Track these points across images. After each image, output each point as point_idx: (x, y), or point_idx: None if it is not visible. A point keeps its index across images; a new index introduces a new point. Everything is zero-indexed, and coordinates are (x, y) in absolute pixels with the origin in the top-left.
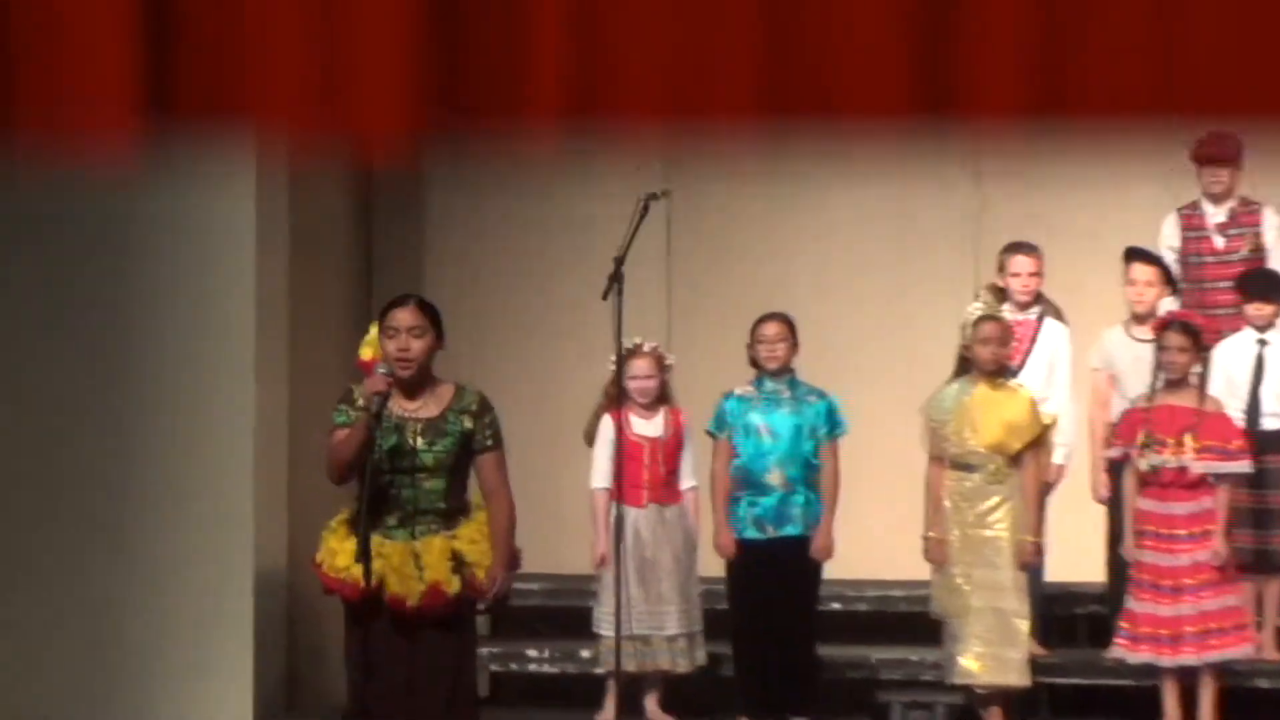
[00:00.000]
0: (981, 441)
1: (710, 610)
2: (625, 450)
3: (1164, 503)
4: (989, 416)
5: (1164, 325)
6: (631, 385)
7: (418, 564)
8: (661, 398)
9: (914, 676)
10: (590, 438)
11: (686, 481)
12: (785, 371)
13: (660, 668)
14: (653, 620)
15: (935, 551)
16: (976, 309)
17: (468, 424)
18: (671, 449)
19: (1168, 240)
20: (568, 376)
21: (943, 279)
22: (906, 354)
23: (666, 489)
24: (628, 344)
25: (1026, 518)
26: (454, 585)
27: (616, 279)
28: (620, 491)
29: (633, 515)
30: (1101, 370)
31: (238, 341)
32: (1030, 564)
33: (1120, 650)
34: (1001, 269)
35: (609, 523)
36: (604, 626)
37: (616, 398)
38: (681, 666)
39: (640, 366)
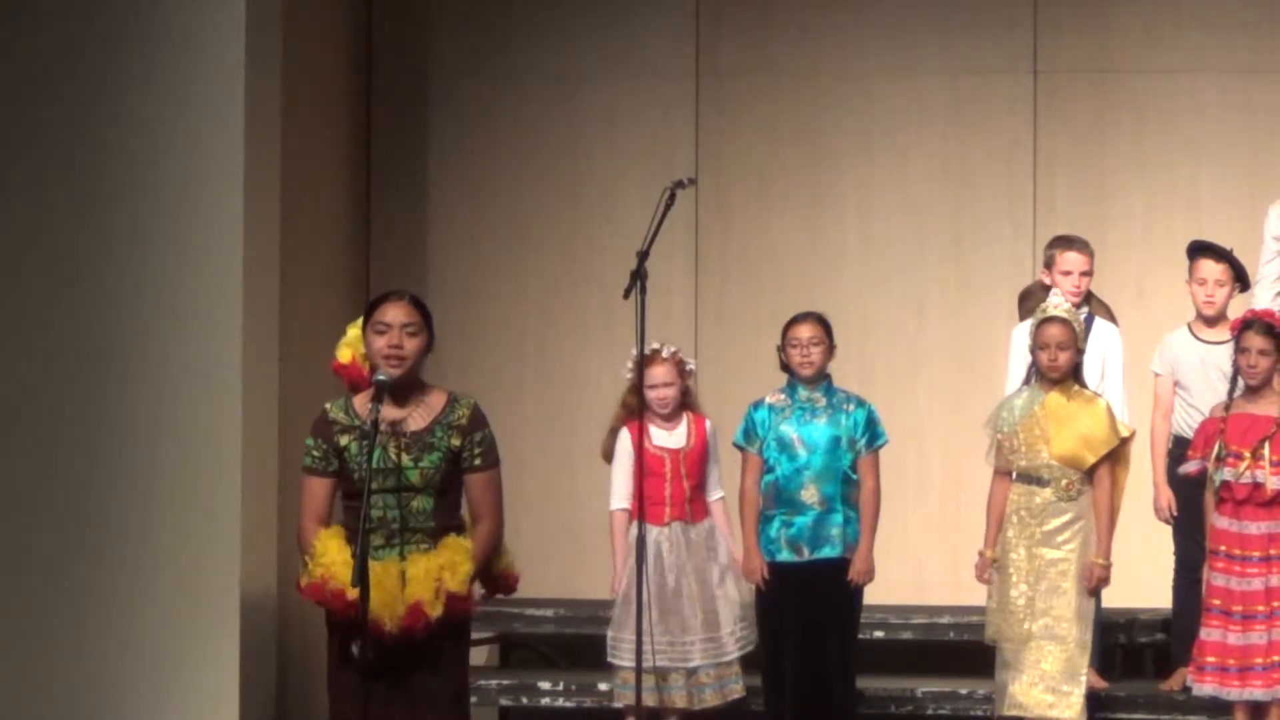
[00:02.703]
0: (1053, 453)
1: None
2: (646, 465)
3: (1238, 521)
4: (1062, 427)
5: (1242, 325)
6: (650, 394)
7: (402, 583)
8: (684, 405)
9: (964, 711)
10: (608, 454)
11: (713, 493)
12: (821, 378)
13: (676, 705)
14: (674, 653)
15: (984, 571)
16: (1045, 308)
17: (455, 440)
18: (694, 460)
19: (1274, 229)
20: (584, 385)
21: (1000, 274)
22: (958, 357)
23: (691, 505)
24: (646, 350)
25: (1098, 538)
26: (437, 608)
27: (639, 276)
28: (641, 510)
29: (654, 535)
30: (1165, 376)
31: (224, 352)
32: (1098, 589)
33: (1189, 680)
34: (1049, 265)
35: (628, 546)
36: (622, 656)
37: (635, 408)
38: (706, 701)
39: (658, 374)
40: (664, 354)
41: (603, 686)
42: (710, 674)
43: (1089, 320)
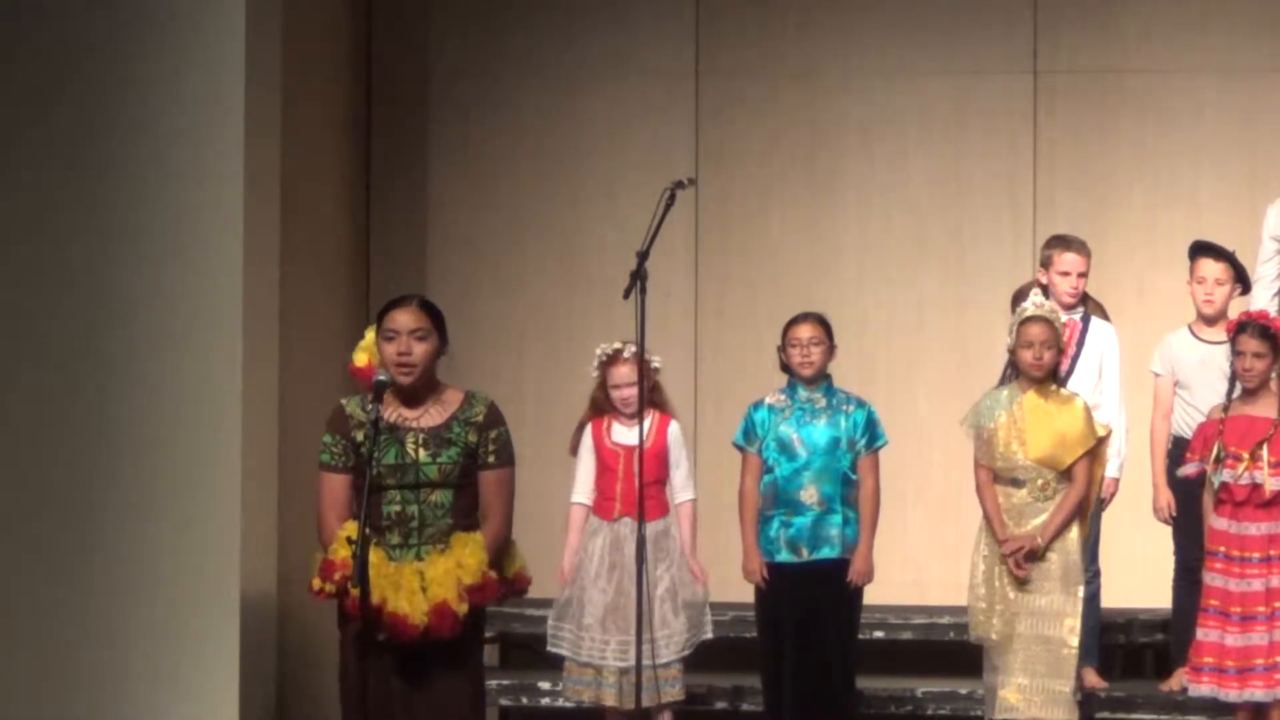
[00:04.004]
0: (1029, 454)
1: (737, 639)
2: (601, 460)
3: (1237, 522)
4: (1038, 427)
5: (1237, 328)
6: (614, 394)
7: (422, 584)
8: (654, 404)
9: (962, 711)
10: (574, 449)
11: (680, 495)
12: (821, 378)
13: (605, 703)
14: (596, 650)
15: (1025, 551)
16: (1025, 308)
17: (472, 437)
18: (650, 459)
19: (1273, 229)
20: (584, 385)
21: (1000, 274)
22: (958, 357)
23: (647, 504)
24: (608, 349)
25: (1049, 520)
26: (463, 606)
27: (639, 276)
28: (641, 508)
29: (603, 530)
30: (1165, 376)
31: (224, 351)
32: (1016, 556)
33: (1185, 681)
34: (1046, 264)
35: (580, 540)
36: (562, 646)
37: (603, 404)
38: (627, 704)
39: (622, 374)
40: (625, 354)
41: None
42: (644, 675)
43: (1086, 320)
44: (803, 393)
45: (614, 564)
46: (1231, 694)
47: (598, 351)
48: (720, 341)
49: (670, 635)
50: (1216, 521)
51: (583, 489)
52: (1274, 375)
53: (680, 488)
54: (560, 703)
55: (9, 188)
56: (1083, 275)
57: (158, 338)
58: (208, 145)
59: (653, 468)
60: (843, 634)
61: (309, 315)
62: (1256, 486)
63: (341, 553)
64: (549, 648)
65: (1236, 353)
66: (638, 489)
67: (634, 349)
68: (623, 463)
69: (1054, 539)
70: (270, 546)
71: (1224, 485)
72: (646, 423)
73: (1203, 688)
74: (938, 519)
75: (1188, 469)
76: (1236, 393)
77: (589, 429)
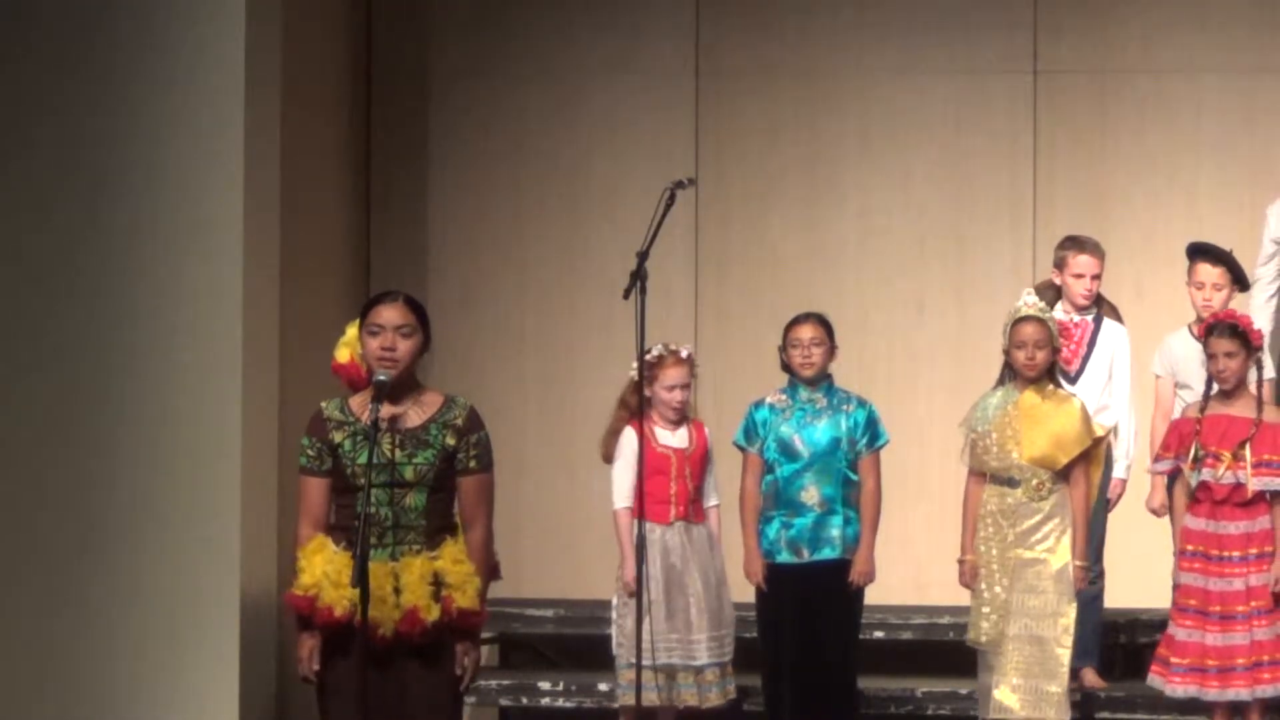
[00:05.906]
0: (1024, 454)
1: (737, 639)
2: (651, 464)
3: (1214, 521)
4: (1034, 427)
5: (1207, 331)
6: (666, 395)
7: (395, 586)
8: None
9: (963, 711)
10: (609, 455)
11: (710, 499)
12: (822, 379)
13: (686, 703)
14: (682, 650)
15: (970, 577)
16: (1018, 308)
17: (450, 440)
18: (697, 461)
19: (1273, 231)
20: (584, 386)
21: (1000, 274)
22: (958, 357)
23: (694, 505)
24: (660, 350)
25: (1073, 539)
26: (433, 612)
27: (639, 276)
28: (644, 508)
29: (659, 533)
30: (1165, 377)
31: (224, 351)
32: (1081, 590)
33: (1157, 680)
34: (1060, 266)
35: (634, 543)
36: (629, 653)
37: (638, 408)
38: (711, 700)
39: (676, 375)
40: (682, 354)
41: (603, 687)
42: (714, 673)
43: (1098, 321)
44: (803, 393)
45: (672, 565)
46: (1213, 693)
47: (650, 355)
48: (720, 341)
49: (728, 634)
50: (1192, 521)
51: (628, 493)
52: (1251, 376)
53: (709, 492)
54: (561, 703)
55: (8, 188)
56: (1096, 277)
57: (158, 338)
58: (208, 146)
59: (700, 470)
60: (843, 634)
61: (309, 315)
62: (1238, 486)
63: (304, 580)
64: (615, 651)
65: (1209, 354)
66: (690, 491)
67: (688, 350)
68: (675, 465)
69: (1084, 551)
70: (270, 547)
71: (1203, 484)
72: (684, 427)
73: (1188, 687)
74: (938, 519)
75: (1162, 466)
76: (1213, 391)
77: (630, 432)
